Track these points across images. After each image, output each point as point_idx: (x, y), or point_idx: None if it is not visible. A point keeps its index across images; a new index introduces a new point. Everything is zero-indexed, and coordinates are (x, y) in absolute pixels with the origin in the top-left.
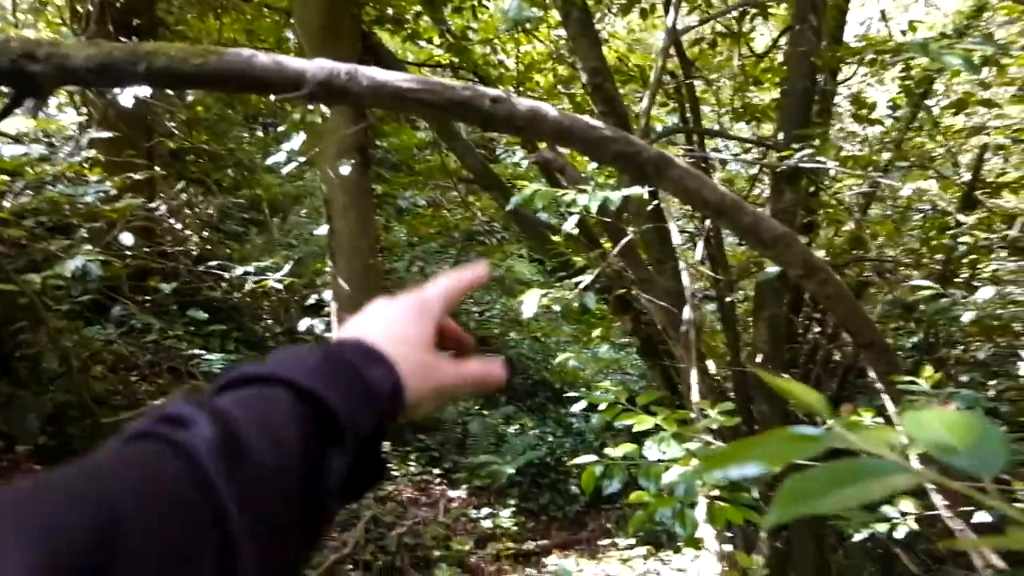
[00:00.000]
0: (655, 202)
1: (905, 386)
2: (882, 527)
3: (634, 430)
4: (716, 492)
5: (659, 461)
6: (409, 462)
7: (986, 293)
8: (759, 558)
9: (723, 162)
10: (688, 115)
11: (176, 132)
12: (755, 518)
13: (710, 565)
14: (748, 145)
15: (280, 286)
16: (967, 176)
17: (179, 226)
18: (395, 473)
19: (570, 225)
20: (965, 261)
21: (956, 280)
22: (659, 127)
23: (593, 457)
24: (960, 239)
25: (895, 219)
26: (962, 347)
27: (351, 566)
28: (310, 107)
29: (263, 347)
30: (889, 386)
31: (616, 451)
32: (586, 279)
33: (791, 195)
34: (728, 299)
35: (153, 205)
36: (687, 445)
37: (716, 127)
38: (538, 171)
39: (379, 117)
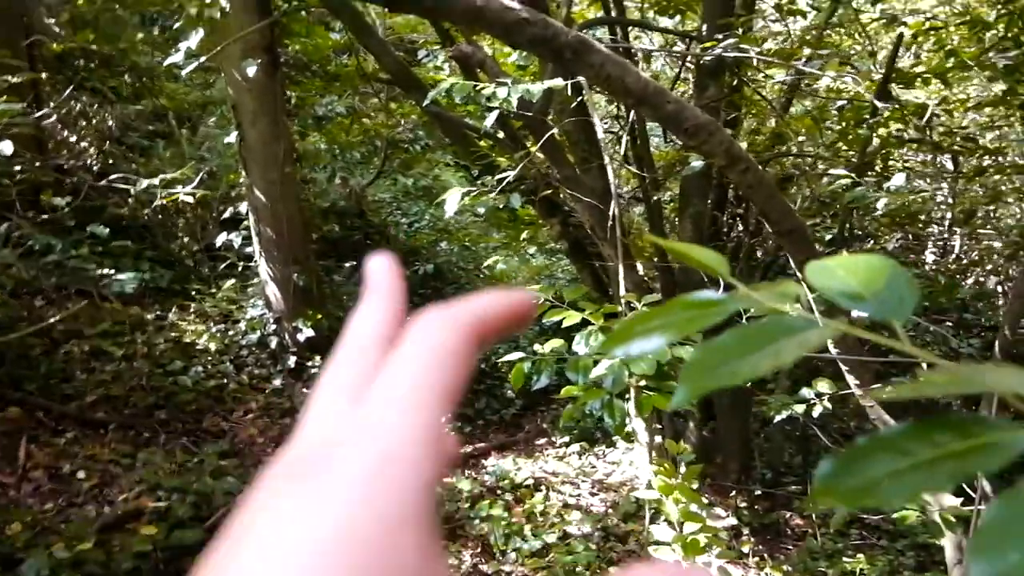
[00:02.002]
0: (579, 97)
1: None
2: (800, 408)
3: (563, 325)
4: (643, 383)
5: (587, 355)
6: None
7: (898, 180)
8: (687, 446)
9: (648, 56)
10: (612, 8)
11: (59, 32)
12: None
13: (641, 455)
14: (672, 38)
15: (192, 200)
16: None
17: (74, 139)
18: None
19: (490, 121)
20: (880, 153)
21: (871, 172)
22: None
23: (521, 354)
24: (875, 131)
25: (814, 114)
26: (873, 240)
27: None
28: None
29: (179, 265)
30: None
31: (544, 347)
32: (508, 176)
33: (714, 90)
34: (655, 198)
35: (40, 114)
36: None
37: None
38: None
39: (285, 13)
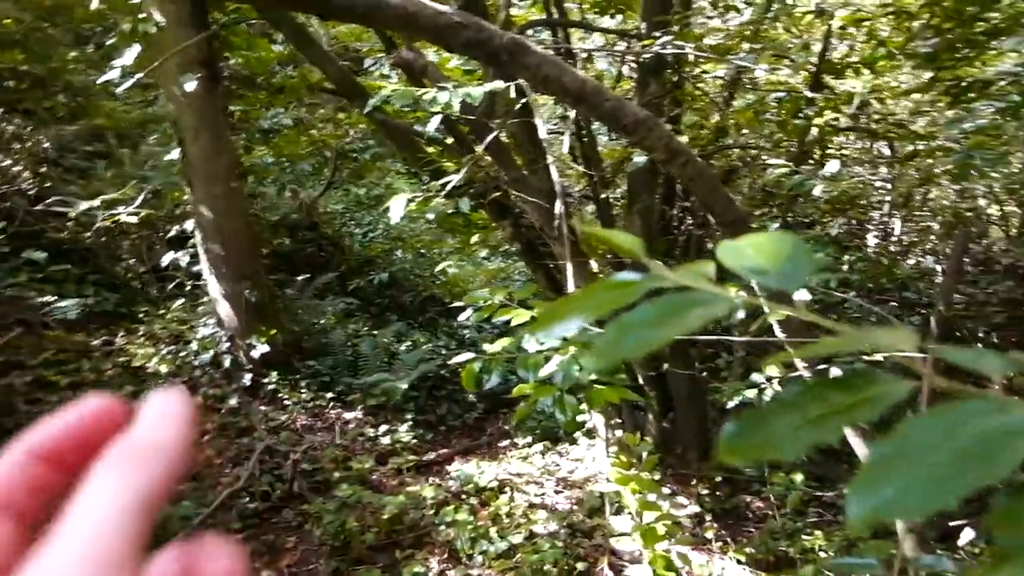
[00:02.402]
0: (523, 100)
1: None
2: (751, 393)
3: (512, 324)
4: (594, 377)
5: (537, 352)
6: (300, 389)
7: (832, 167)
8: (648, 438)
9: (590, 56)
10: (553, 10)
11: None
12: (631, 396)
13: (600, 450)
14: (613, 38)
15: (135, 220)
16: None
17: (8, 162)
18: (287, 402)
19: (433, 126)
20: (818, 142)
21: (811, 161)
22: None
23: (471, 354)
24: (811, 121)
25: (754, 107)
26: (819, 226)
27: (247, 499)
28: (141, 15)
29: (125, 287)
30: None
31: (494, 346)
32: (454, 179)
33: (656, 87)
34: (603, 196)
35: None
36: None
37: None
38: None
39: (223, 25)
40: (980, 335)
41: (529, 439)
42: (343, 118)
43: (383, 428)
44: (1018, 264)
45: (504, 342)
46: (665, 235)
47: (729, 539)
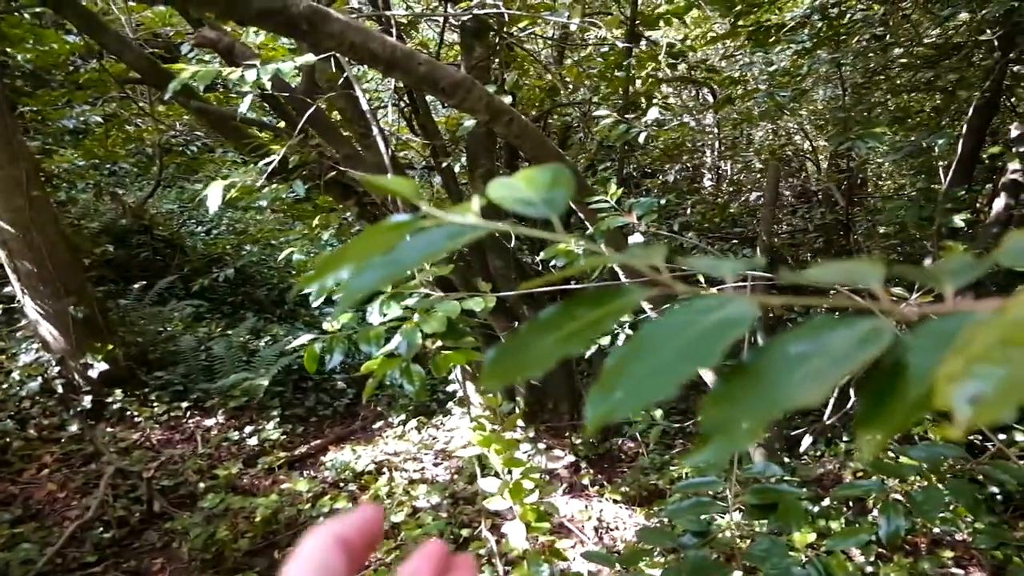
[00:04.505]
0: (344, 74)
1: (596, 204)
2: (605, 340)
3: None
4: (440, 343)
5: (380, 324)
6: (151, 403)
7: (652, 114)
8: (519, 398)
9: (414, 23)
10: None
11: None
12: (478, 357)
13: (461, 415)
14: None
15: None
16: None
17: None
18: (137, 419)
19: (245, 106)
20: (642, 92)
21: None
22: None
23: (309, 336)
24: (632, 72)
25: (582, 64)
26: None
27: (100, 528)
28: None
29: None
30: (584, 207)
31: (334, 324)
32: (273, 162)
33: (481, 50)
34: (444, 165)
35: None
36: (406, 302)
37: None
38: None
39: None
40: (805, 260)
41: (403, 416)
42: (163, 111)
43: (248, 429)
44: (829, 193)
45: (345, 318)
46: None
47: (605, 482)
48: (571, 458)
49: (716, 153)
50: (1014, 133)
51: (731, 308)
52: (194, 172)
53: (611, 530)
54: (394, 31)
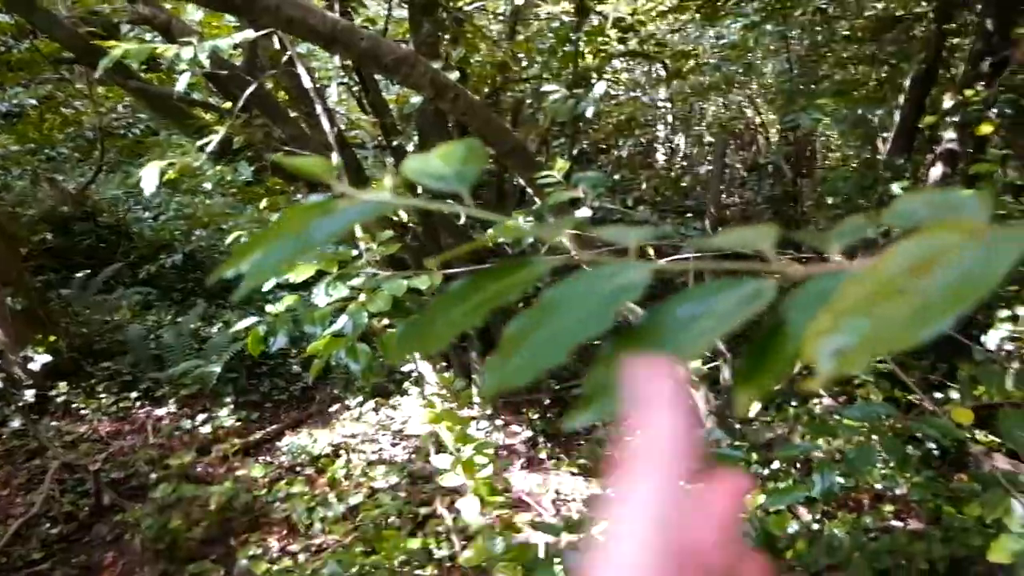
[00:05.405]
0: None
1: (544, 180)
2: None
3: (295, 280)
4: (386, 321)
5: (327, 305)
6: (98, 395)
7: (599, 89)
8: (475, 376)
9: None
10: None
11: None
12: None
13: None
14: None
15: None
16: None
17: None
18: (84, 411)
19: (182, 85)
20: (593, 67)
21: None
22: None
23: (254, 318)
24: (580, 47)
25: (529, 38)
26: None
27: (47, 524)
28: None
29: None
30: (532, 184)
31: (279, 306)
32: (212, 142)
33: (430, 26)
34: (396, 143)
35: None
36: (352, 282)
37: None
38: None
39: None
40: None
41: (360, 398)
42: (103, 92)
43: (201, 417)
44: (778, 165)
45: (289, 300)
46: None
47: (562, 455)
48: (528, 433)
49: (669, 128)
50: (948, 103)
51: (625, 275)
52: (139, 156)
53: (568, 501)
54: (337, 6)
